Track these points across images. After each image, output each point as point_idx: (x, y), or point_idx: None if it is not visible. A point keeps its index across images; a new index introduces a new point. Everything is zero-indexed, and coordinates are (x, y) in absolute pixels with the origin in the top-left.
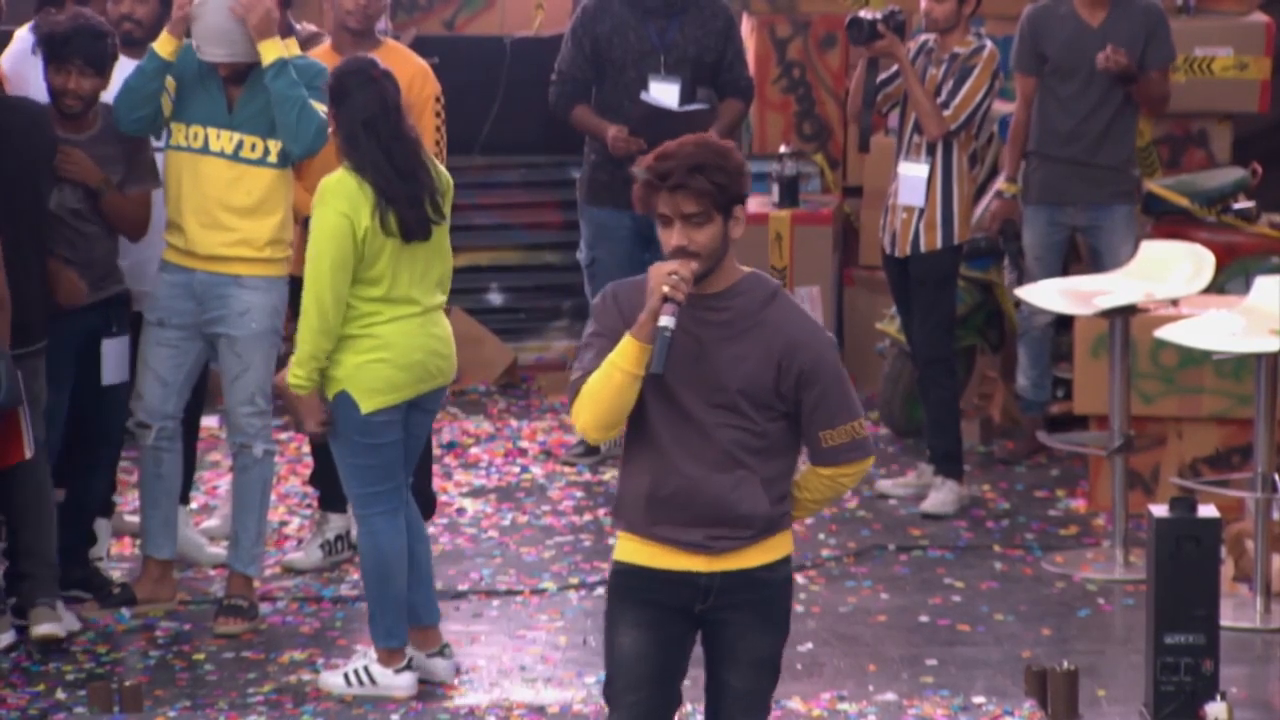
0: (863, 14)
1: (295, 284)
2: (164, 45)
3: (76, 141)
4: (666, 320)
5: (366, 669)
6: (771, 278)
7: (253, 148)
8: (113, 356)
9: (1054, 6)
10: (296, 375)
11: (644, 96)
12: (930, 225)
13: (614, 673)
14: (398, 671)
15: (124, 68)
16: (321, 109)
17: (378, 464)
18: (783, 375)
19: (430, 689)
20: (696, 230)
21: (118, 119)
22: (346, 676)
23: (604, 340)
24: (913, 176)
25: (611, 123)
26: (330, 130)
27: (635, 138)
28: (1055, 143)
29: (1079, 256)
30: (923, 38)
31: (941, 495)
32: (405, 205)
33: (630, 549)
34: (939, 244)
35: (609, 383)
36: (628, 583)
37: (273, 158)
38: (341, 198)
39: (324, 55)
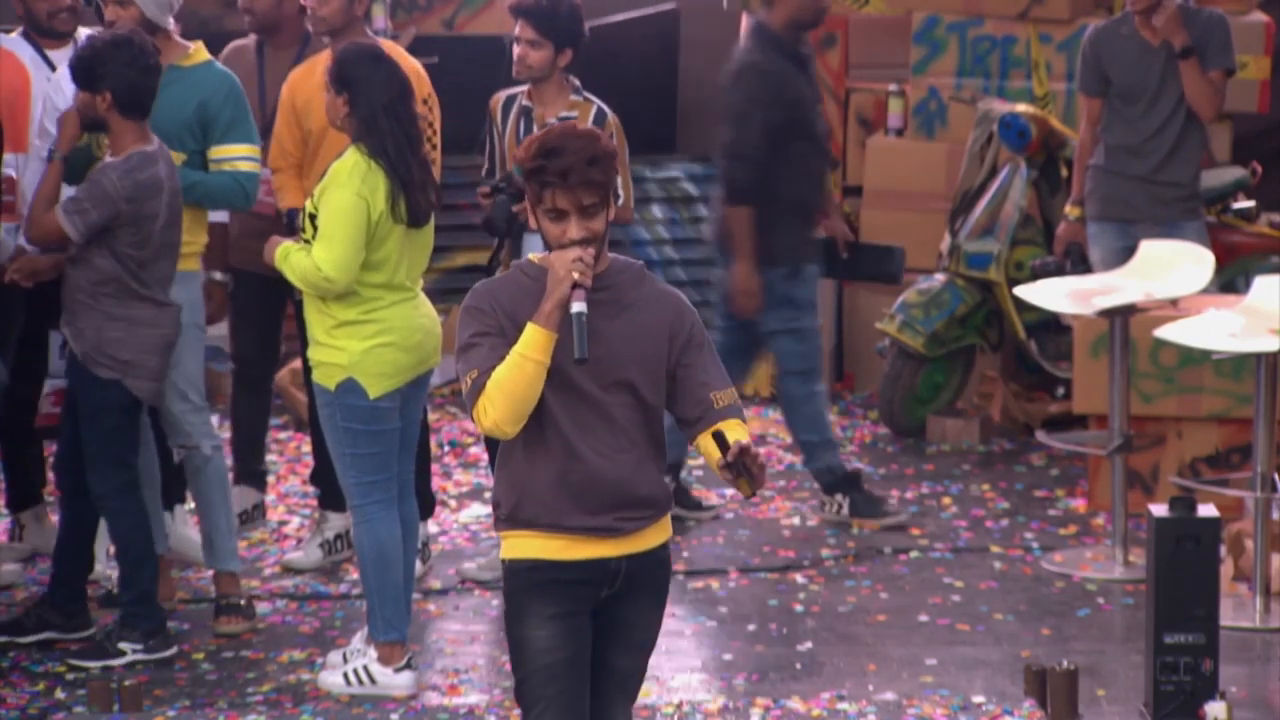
0: (489, 214)
1: (236, 275)
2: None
3: None
4: (580, 306)
5: (366, 668)
6: (633, 261)
7: None
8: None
9: (1115, 28)
10: (281, 255)
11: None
12: None
13: (530, 670)
14: (397, 670)
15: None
16: (249, 160)
17: (379, 451)
18: (673, 344)
19: (430, 689)
20: (592, 220)
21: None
22: (346, 676)
23: (493, 338)
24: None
25: None
26: (344, 115)
27: None
28: (1123, 158)
29: None
30: (505, 94)
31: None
32: (417, 189)
33: (536, 545)
34: None
35: (521, 374)
36: (536, 578)
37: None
38: (358, 180)
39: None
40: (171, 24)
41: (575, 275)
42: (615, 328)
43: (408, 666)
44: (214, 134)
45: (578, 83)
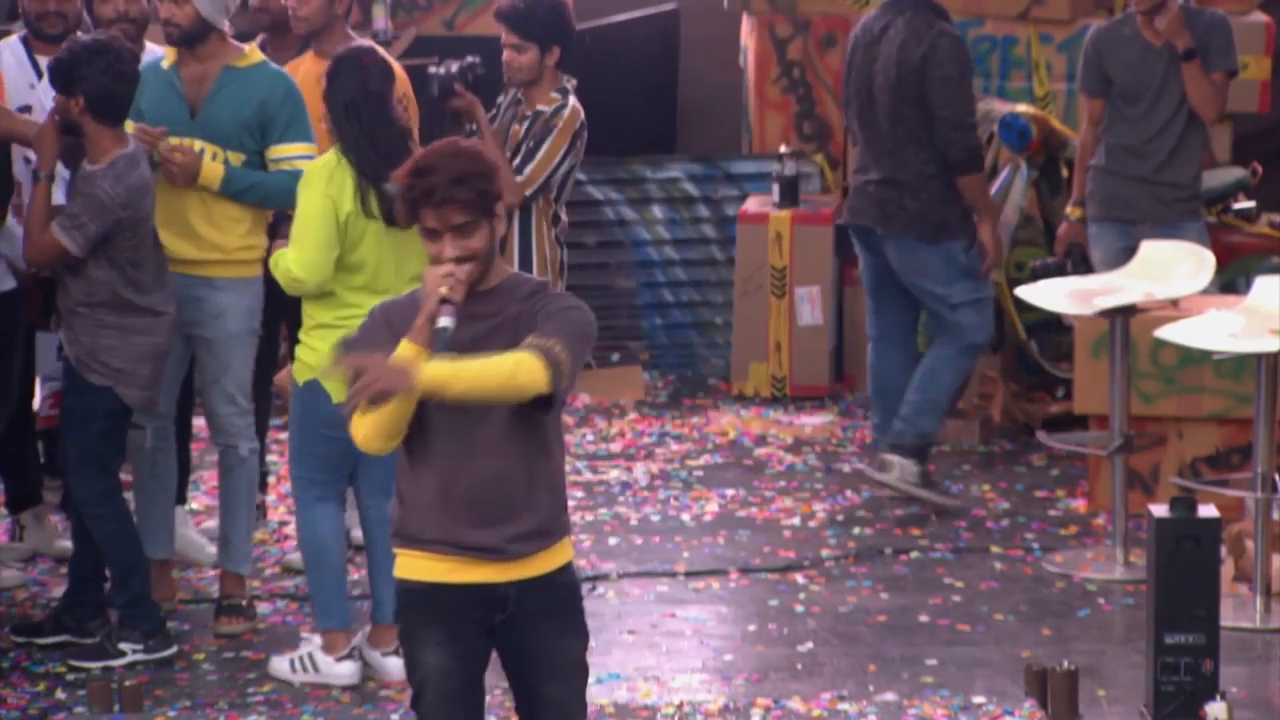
0: (438, 69)
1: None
2: None
3: None
4: (446, 321)
5: (310, 655)
6: (536, 278)
7: (213, 157)
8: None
9: (1117, 28)
10: (274, 261)
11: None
12: None
13: (422, 688)
14: (339, 660)
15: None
16: (307, 158)
17: (325, 454)
18: (531, 328)
19: None
20: (467, 238)
21: None
22: (292, 663)
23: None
24: None
25: None
26: (324, 115)
27: None
28: (1124, 159)
29: None
30: (515, 89)
31: None
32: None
33: (422, 566)
34: None
35: None
36: (422, 601)
37: (234, 166)
38: (324, 179)
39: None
40: (227, 25)
41: (443, 290)
42: (498, 343)
43: (349, 657)
44: (273, 134)
45: (568, 83)
